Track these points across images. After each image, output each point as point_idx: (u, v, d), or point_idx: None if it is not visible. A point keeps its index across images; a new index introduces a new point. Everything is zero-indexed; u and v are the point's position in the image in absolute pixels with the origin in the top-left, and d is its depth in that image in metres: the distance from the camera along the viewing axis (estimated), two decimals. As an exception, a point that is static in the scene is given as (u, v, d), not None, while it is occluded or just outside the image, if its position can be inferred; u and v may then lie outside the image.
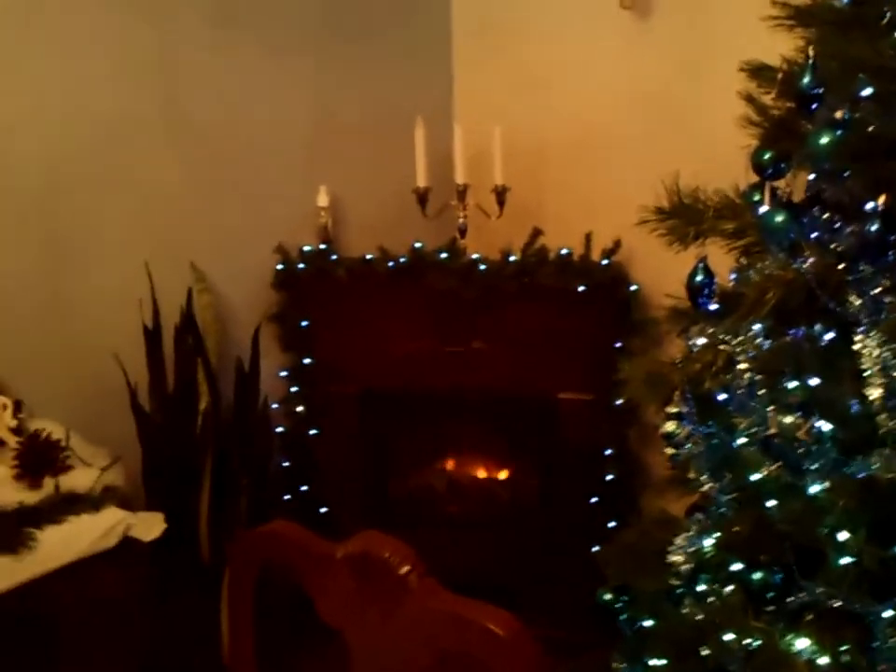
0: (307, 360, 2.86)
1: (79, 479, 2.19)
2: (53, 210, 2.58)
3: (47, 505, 2.11)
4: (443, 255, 2.73)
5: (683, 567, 1.61)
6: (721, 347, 1.55)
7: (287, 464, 2.88)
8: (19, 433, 2.27)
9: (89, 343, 2.60)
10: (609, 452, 2.70)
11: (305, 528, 1.34)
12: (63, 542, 2.07)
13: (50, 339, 2.58)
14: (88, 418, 2.43)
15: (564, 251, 2.66)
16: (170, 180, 2.75)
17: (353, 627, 1.27)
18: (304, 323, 2.85)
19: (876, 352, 1.34)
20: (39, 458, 2.18)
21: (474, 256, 2.72)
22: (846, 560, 1.39)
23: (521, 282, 2.67)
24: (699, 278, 1.61)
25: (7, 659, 2.46)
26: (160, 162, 2.72)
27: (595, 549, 2.48)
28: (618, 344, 2.64)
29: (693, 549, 1.61)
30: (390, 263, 2.75)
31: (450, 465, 3.09)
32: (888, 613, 1.38)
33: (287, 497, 2.87)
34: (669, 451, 1.63)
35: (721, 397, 1.58)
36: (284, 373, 2.89)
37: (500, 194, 2.77)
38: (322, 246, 2.84)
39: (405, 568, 1.19)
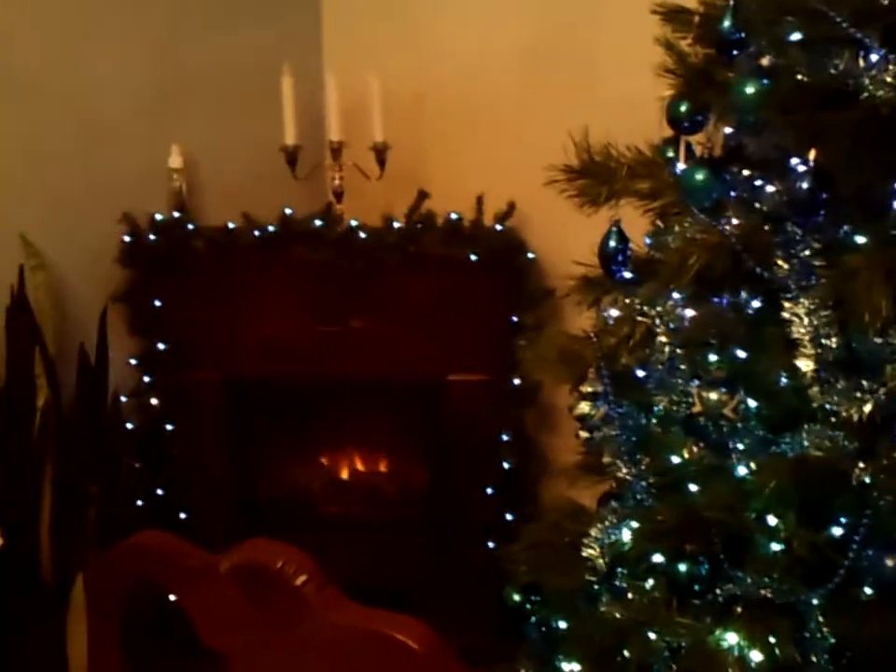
0: (161, 345, 2.76)
1: None
2: None
3: None
4: (317, 222, 2.68)
5: (599, 562, 1.62)
6: (639, 319, 1.56)
7: (138, 465, 2.78)
8: None
9: None
10: (505, 437, 2.70)
11: (179, 538, 1.29)
12: None
13: None
14: None
15: (453, 216, 2.64)
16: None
17: (240, 650, 1.23)
18: (157, 303, 2.75)
19: (807, 320, 1.37)
20: None
21: (352, 223, 2.68)
22: (776, 546, 1.43)
23: (405, 251, 2.65)
24: (612, 244, 1.61)
25: None
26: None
27: (495, 545, 2.52)
28: (514, 319, 2.65)
29: (609, 541, 1.62)
30: (256, 233, 2.68)
31: (328, 460, 3.05)
32: (818, 600, 1.42)
33: (139, 503, 2.77)
34: (583, 434, 1.64)
35: (640, 373, 1.59)
36: (133, 361, 2.78)
37: (380, 152, 2.73)
38: (176, 214, 2.75)
39: (301, 579, 1.16)
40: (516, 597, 1.80)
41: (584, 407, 1.61)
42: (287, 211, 2.68)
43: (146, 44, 2.80)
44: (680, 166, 1.56)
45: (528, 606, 1.79)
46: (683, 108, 1.56)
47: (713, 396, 1.46)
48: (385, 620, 1.12)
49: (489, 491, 2.73)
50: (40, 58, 2.66)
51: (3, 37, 2.60)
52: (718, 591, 1.46)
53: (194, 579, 1.24)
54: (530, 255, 2.67)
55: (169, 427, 2.78)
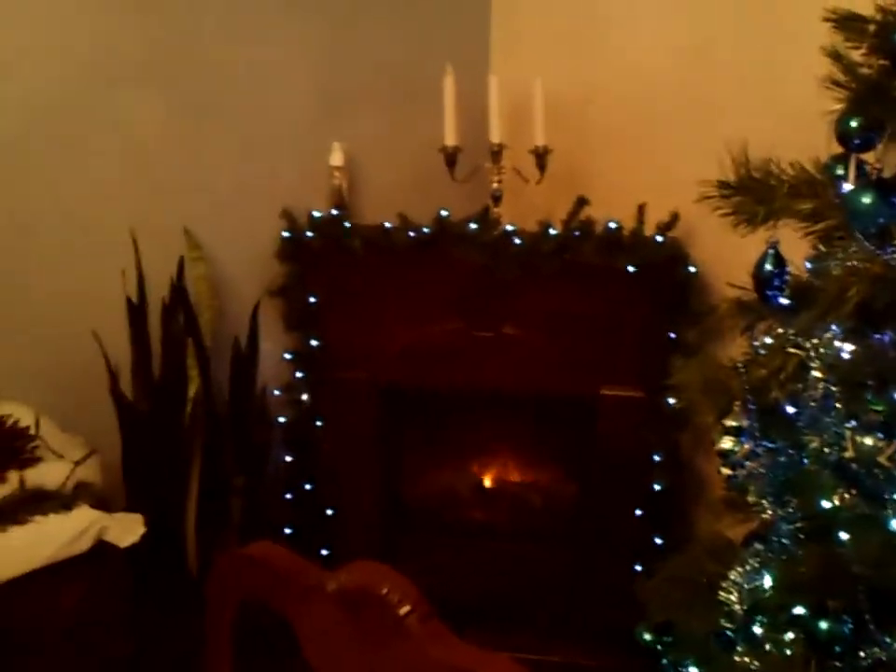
0: (314, 342, 2.80)
1: (49, 473, 2.15)
2: (23, 166, 2.52)
3: (10, 503, 2.07)
4: (473, 225, 2.64)
5: (737, 608, 1.54)
6: (792, 350, 1.47)
7: (289, 459, 2.83)
8: (-17, 418, 2.24)
9: (64, 319, 2.56)
10: (657, 458, 2.61)
11: (292, 552, 1.28)
12: (27, 546, 2.04)
13: (20, 312, 2.53)
14: (61, 404, 2.40)
15: (612, 224, 2.56)
16: (161, 135, 2.69)
17: (338, 670, 1.21)
18: (312, 300, 2.78)
19: (978, 365, 1.25)
20: (4, 448, 2.14)
21: (508, 227, 2.63)
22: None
23: (562, 259, 2.58)
24: (768, 267, 1.53)
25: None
26: (149, 115, 2.65)
27: (641, 568, 2.44)
28: (672, 335, 2.55)
29: (749, 586, 1.53)
30: (412, 234, 2.66)
31: (475, 466, 3.03)
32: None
33: (288, 497, 2.82)
34: (725, 471, 1.55)
35: (790, 410, 1.50)
36: (287, 356, 2.83)
37: (541, 156, 2.68)
38: (334, 212, 2.77)
39: (405, 609, 1.13)
40: (647, 636, 1.73)
41: (728, 442, 1.53)
42: (444, 213, 2.65)
43: (311, 42, 2.82)
44: (847, 187, 1.45)
45: (660, 646, 1.71)
46: (854, 124, 1.45)
47: (868, 441, 1.36)
48: (486, 661, 1.08)
49: (638, 512, 2.65)
50: (212, 51, 2.73)
51: (181, 37, 2.68)
52: (861, 654, 1.36)
53: (302, 595, 1.23)
54: (692, 269, 2.56)
55: (319, 423, 2.81)
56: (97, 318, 2.49)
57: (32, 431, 2.21)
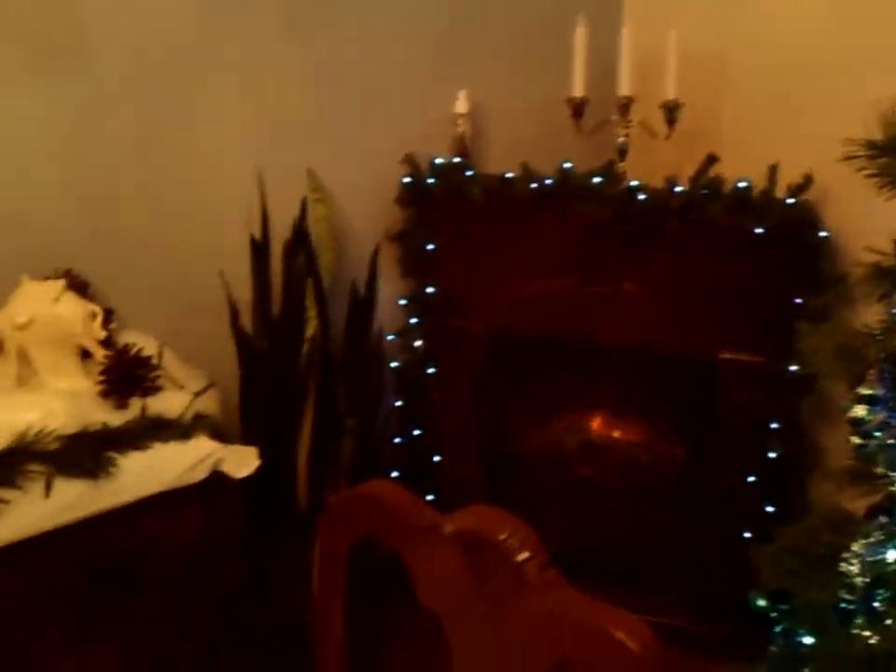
0: (430, 289, 2.79)
1: (170, 402, 2.19)
2: (154, 103, 2.56)
3: (132, 428, 2.11)
4: (597, 179, 2.58)
5: (858, 580, 1.49)
6: (934, 319, 1.40)
7: (399, 403, 2.85)
8: (108, 346, 2.29)
9: (190, 254, 2.61)
10: (775, 425, 2.54)
11: (409, 491, 1.28)
12: (146, 471, 2.08)
13: (148, 246, 2.59)
14: (184, 336, 2.43)
15: (741, 184, 2.48)
16: (287, 75, 2.70)
17: (454, 614, 1.21)
18: (430, 246, 2.77)
19: None
20: (128, 376, 2.19)
21: (633, 182, 2.57)
22: None
23: (687, 217, 2.52)
24: (914, 231, 1.46)
25: (78, 593, 2.53)
26: (275, 56, 2.67)
27: (751, 536, 2.39)
28: (797, 301, 2.47)
29: (872, 559, 1.48)
30: (533, 185, 2.63)
31: (583, 422, 3.00)
32: None
33: (397, 441, 2.84)
34: (855, 440, 1.50)
35: (928, 380, 1.43)
36: (403, 302, 2.84)
37: (671, 111, 2.61)
38: (457, 160, 2.75)
39: (524, 555, 1.12)
40: (762, 602, 1.69)
41: (860, 410, 1.47)
42: (567, 165, 2.61)
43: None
44: None
45: (774, 614, 1.68)
46: None
47: None
48: (606, 614, 1.06)
49: (751, 479, 2.59)
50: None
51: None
52: None
53: (418, 536, 1.23)
54: (824, 233, 2.47)
55: (431, 370, 2.82)
56: (221, 255, 2.52)
57: (155, 361, 2.25)
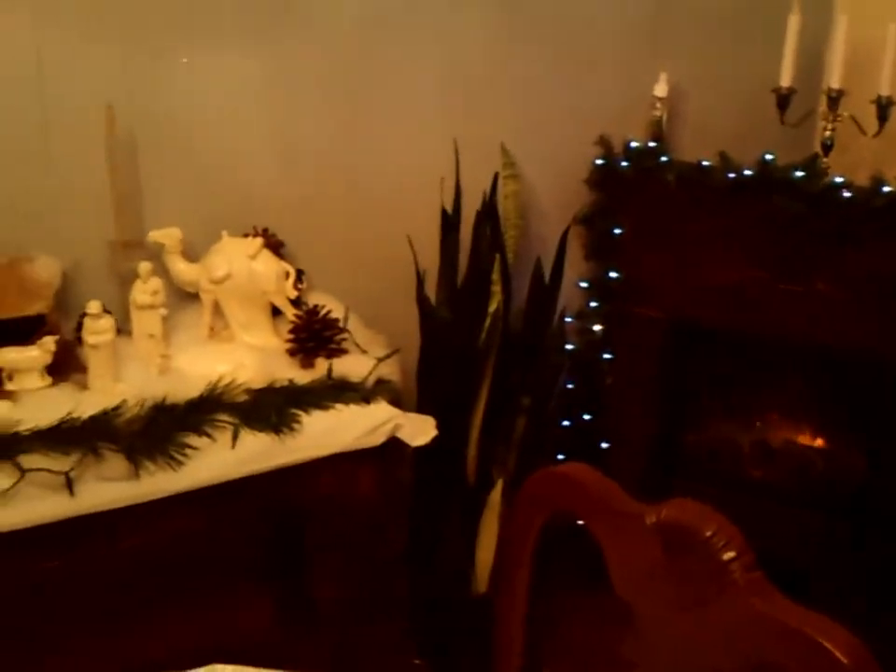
0: (613, 274, 2.76)
1: (353, 365, 2.23)
2: (360, 72, 2.58)
3: (317, 388, 2.16)
4: (798, 173, 2.49)
5: None
6: None
7: (570, 386, 2.83)
8: (297, 305, 2.34)
9: (381, 221, 2.64)
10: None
11: (608, 478, 1.27)
12: (327, 431, 2.12)
13: (341, 211, 2.63)
14: (368, 300, 2.47)
15: (954, 187, 2.35)
16: (487, 46, 2.68)
17: (649, 605, 1.20)
18: (617, 230, 2.74)
19: None
20: (316, 336, 2.24)
21: (837, 179, 2.47)
22: None
23: (891, 219, 2.40)
24: None
25: (250, 543, 2.60)
26: (476, 25, 2.66)
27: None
28: None
29: None
30: (731, 174, 2.55)
31: (760, 422, 2.91)
32: None
33: (565, 424, 2.83)
34: None
35: None
36: (583, 284, 2.81)
37: (883, 108, 2.49)
38: (652, 144, 2.69)
39: (729, 555, 1.09)
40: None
41: None
42: (768, 156, 2.52)
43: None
44: None
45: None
46: None
47: None
48: (814, 622, 1.03)
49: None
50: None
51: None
52: None
53: (617, 523, 1.21)
54: None
55: (607, 355, 2.79)
56: (410, 224, 2.54)
57: (341, 324, 2.29)
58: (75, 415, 1.96)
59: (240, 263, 2.29)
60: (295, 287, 2.34)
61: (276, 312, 2.36)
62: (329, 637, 2.46)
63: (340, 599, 2.49)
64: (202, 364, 2.21)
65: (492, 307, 2.45)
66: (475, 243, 2.55)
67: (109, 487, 1.94)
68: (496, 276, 2.44)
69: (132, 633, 2.72)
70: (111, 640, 2.68)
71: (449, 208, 2.53)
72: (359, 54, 2.57)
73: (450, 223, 2.52)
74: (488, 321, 2.45)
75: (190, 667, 1.37)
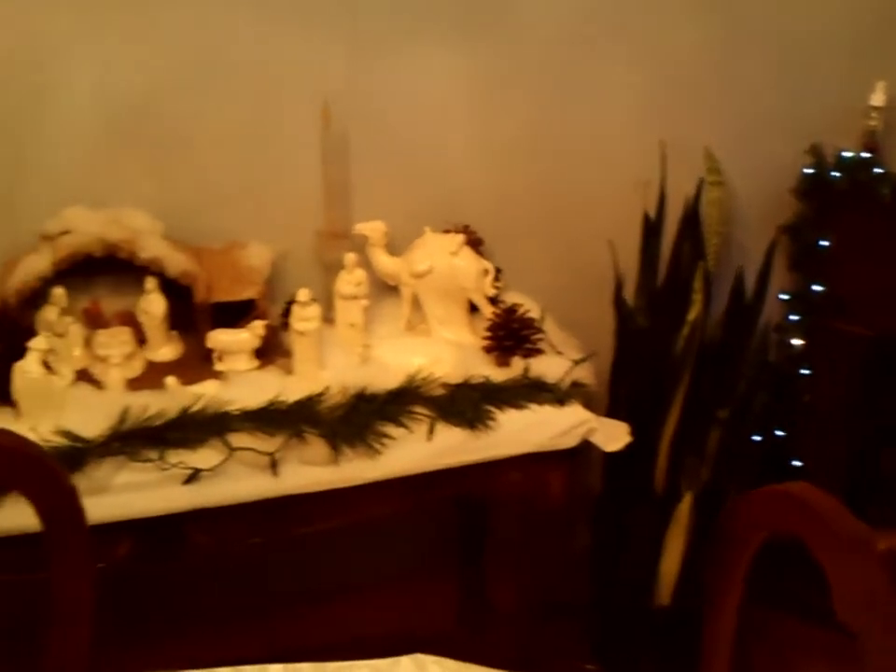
0: (816, 287, 2.66)
1: (549, 366, 2.22)
2: (563, 71, 2.56)
3: (512, 387, 2.16)
4: None
5: None
6: None
7: (766, 401, 2.73)
8: (494, 303, 2.35)
9: (578, 221, 2.64)
10: None
11: (835, 499, 1.22)
12: (521, 430, 2.12)
13: (539, 211, 2.64)
14: (562, 302, 2.45)
15: None
16: (694, 49, 2.63)
17: (875, 637, 1.14)
18: (823, 243, 2.63)
19: None
20: (513, 335, 2.24)
21: None
22: None
23: None
24: None
25: (436, 536, 2.64)
26: (681, 27, 2.60)
27: None
28: None
29: None
30: (953, 190, 2.43)
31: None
32: None
33: (756, 439, 2.74)
34: None
35: None
36: (784, 296, 2.72)
37: None
38: (866, 155, 2.58)
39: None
40: None
41: None
42: None
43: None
44: None
45: None
46: None
47: None
48: None
49: None
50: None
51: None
52: None
53: (843, 545, 1.17)
54: None
55: (806, 371, 2.69)
56: (609, 226, 2.52)
57: (538, 325, 2.29)
58: (281, 399, 2.02)
59: (441, 259, 2.32)
60: (493, 285, 2.35)
61: (474, 308, 2.37)
62: (507, 634, 2.48)
63: (519, 598, 2.50)
64: (400, 356, 2.25)
65: (691, 315, 2.40)
66: (676, 249, 2.50)
67: (310, 471, 1.99)
68: (697, 284, 2.39)
69: (317, 615, 2.80)
70: (297, 620, 2.77)
71: (652, 213, 2.49)
72: (566, 55, 2.55)
73: (652, 228, 2.48)
74: (686, 329, 2.40)
75: (374, 656, 1.39)
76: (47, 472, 1.22)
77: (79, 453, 1.84)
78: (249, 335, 2.18)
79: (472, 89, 2.51)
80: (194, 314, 2.23)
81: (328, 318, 2.28)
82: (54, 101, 2.24)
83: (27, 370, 1.92)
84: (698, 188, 2.54)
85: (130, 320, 2.27)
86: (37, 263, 2.11)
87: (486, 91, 2.52)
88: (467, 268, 2.32)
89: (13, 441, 1.21)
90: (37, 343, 1.94)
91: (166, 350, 2.26)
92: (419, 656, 1.37)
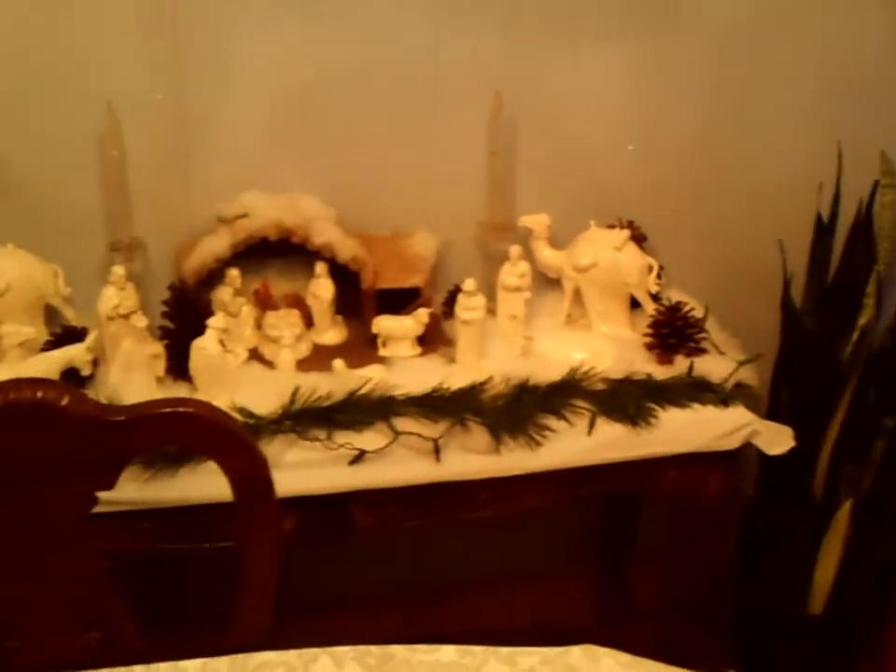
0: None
1: (712, 366, 2.19)
2: (731, 65, 2.51)
3: (675, 385, 2.14)
4: None
5: None
6: None
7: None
8: (656, 300, 2.33)
9: (744, 220, 2.59)
10: None
11: None
12: (683, 429, 2.10)
13: (702, 207, 2.60)
14: (723, 302, 2.41)
15: None
16: (880, 49, 2.54)
17: None
18: None
19: None
20: (677, 333, 2.21)
21: None
22: None
23: None
24: None
25: (584, 530, 2.63)
26: (870, 28, 2.52)
27: None
28: None
29: None
30: None
31: None
32: None
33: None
34: None
35: None
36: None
37: None
38: None
39: None
40: None
41: None
42: None
43: None
44: None
45: None
46: None
47: None
48: None
49: None
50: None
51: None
52: None
53: None
54: None
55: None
56: (776, 225, 2.46)
57: (702, 324, 2.26)
58: (444, 386, 2.04)
59: (605, 254, 2.30)
60: (656, 281, 2.32)
61: (635, 304, 2.35)
62: (648, 633, 2.45)
63: (663, 598, 2.48)
64: (560, 349, 2.25)
65: (862, 320, 2.33)
66: (847, 252, 2.43)
67: (472, 459, 2.01)
68: (870, 289, 2.32)
69: (457, 603, 2.83)
70: (436, 606, 2.81)
71: (825, 214, 2.42)
72: (736, 51, 2.50)
73: (824, 229, 2.42)
74: (856, 334, 2.33)
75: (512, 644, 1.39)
76: (242, 444, 1.27)
77: (253, 429, 1.90)
78: (414, 322, 2.22)
79: (639, 84, 2.48)
80: (360, 299, 2.27)
81: (488, 309, 2.29)
82: (233, 87, 2.31)
83: (205, 347, 1.99)
84: (872, 190, 2.46)
85: (297, 303, 2.33)
86: (216, 245, 2.18)
87: (653, 87, 2.49)
88: (631, 263, 2.31)
89: (212, 412, 1.25)
90: (216, 322, 2.00)
91: (332, 334, 2.31)
92: (591, 647, 1.37)
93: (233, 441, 1.26)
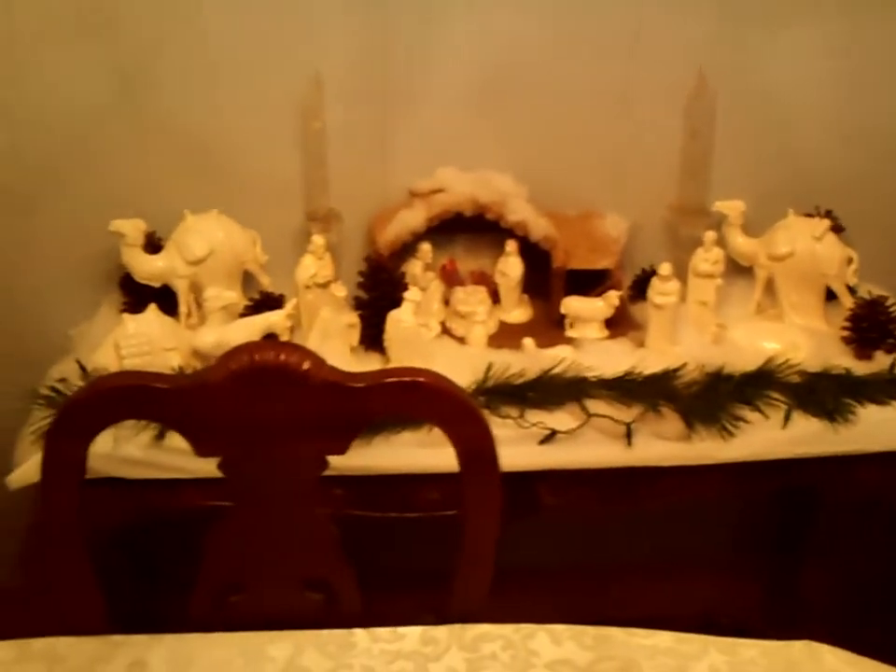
0: None
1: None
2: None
3: (876, 381, 2.07)
4: None
5: None
6: None
7: None
8: (853, 293, 2.26)
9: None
10: None
11: None
12: (882, 427, 2.03)
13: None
14: None
15: None
16: None
17: None
18: None
19: None
20: (878, 327, 2.14)
21: None
22: None
23: None
24: None
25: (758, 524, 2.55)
26: None
27: None
28: None
29: None
30: None
31: None
32: None
33: None
34: None
35: None
36: None
37: None
38: None
39: None
40: None
41: None
42: None
43: None
44: None
45: None
46: None
47: None
48: None
49: None
50: None
51: None
52: None
53: None
54: None
55: None
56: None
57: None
58: (637, 370, 2.02)
59: (804, 243, 2.24)
60: (855, 273, 2.25)
61: (831, 295, 2.28)
62: (817, 632, 2.39)
63: (836, 597, 2.41)
64: (752, 338, 2.21)
65: None
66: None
67: (663, 445, 1.98)
68: None
69: (618, 589, 2.81)
70: (597, 590, 2.78)
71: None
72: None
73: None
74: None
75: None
76: (474, 417, 1.27)
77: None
78: (604, 304, 2.20)
79: (849, 70, 2.39)
80: (547, 279, 2.26)
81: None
82: (435, 63, 2.31)
83: (402, 319, 2.01)
84: None
85: (483, 280, 2.34)
86: (412, 218, 2.20)
87: (863, 73, 2.40)
88: (830, 254, 2.24)
89: (448, 383, 1.26)
90: (412, 295, 2.02)
91: (518, 312, 2.31)
92: (812, 643, 1.34)
93: (466, 412, 1.26)
